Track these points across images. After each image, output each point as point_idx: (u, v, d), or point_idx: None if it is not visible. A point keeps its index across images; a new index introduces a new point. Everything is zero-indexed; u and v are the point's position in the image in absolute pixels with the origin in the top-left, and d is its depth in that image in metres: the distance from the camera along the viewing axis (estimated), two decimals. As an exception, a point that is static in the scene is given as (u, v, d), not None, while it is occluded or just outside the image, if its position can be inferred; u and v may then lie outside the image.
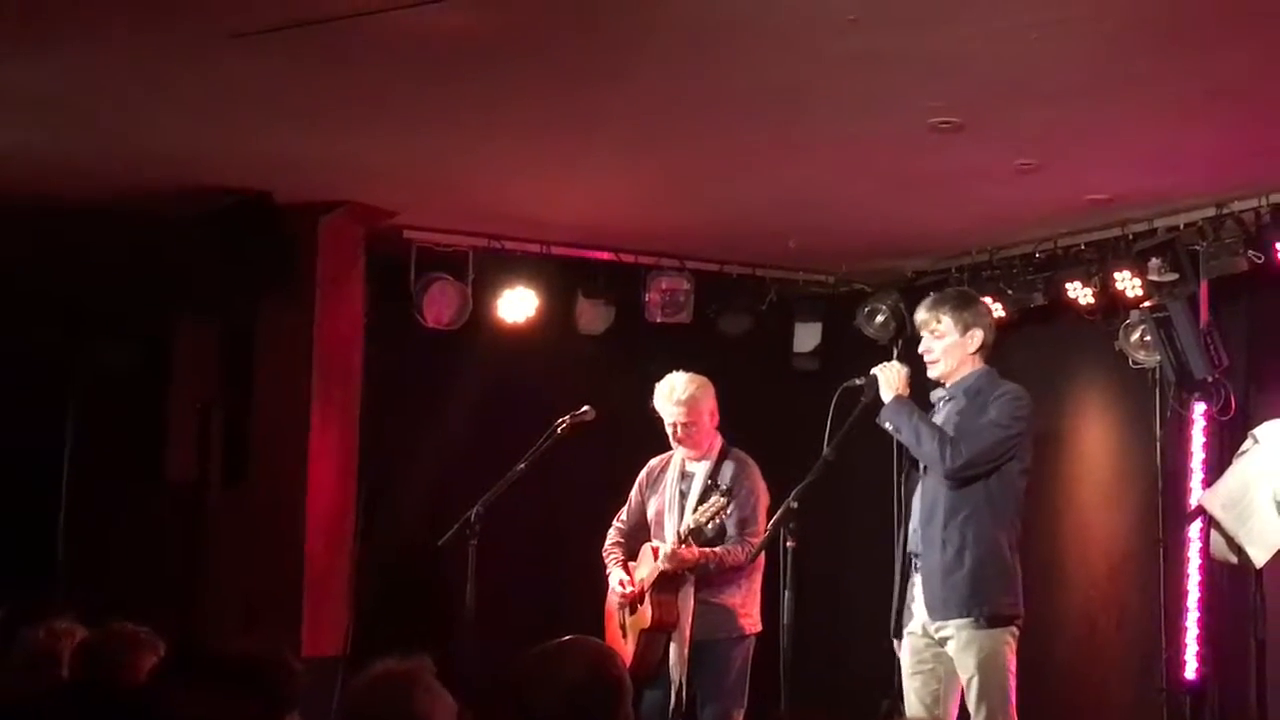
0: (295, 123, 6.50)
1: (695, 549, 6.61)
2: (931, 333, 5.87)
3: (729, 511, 6.57)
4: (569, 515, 8.56)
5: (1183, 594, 7.47)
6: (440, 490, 8.34)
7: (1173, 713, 7.52)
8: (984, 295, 7.90)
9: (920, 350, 5.93)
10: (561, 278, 8.65)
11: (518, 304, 8.49)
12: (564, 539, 8.61)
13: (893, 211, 7.74)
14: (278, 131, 6.63)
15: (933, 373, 5.91)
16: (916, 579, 5.82)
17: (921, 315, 5.93)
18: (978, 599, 5.67)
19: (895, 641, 5.95)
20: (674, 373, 6.90)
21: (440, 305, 8.30)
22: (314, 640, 7.60)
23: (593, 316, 8.78)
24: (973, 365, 5.87)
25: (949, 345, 5.85)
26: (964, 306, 5.95)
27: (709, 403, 6.86)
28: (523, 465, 6.63)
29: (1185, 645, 7.45)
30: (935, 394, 5.97)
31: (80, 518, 7.83)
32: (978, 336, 5.86)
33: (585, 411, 6.80)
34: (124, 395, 7.89)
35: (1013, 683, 5.71)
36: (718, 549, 6.63)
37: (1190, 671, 7.43)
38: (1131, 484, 7.94)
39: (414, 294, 8.26)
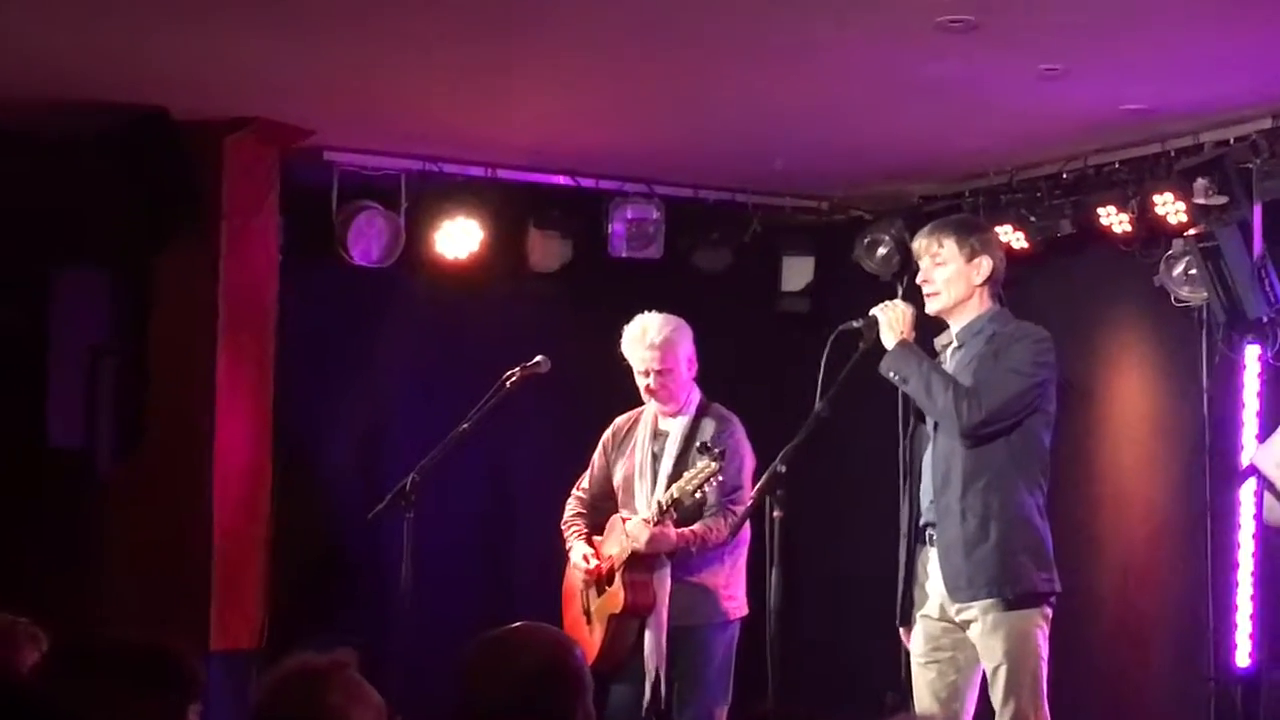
0: (192, 26, 6.43)
1: (674, 531, 6.58)
2: (933, 258, 5.85)
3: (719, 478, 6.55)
4: (520, 482, 8.60)
5: (1233, 567, 7.52)
6: (371, 455, 8.37)
7: (1221, 704, 7.57)
8: (1003, 223, 7.98)
9: (919, 280, 5.92)
10: (510, 206, 8.64)
11: (459, 237, 8.47)
12: (514, 510, 8.64)
13: (895, 126, 7.72)
14: (173, 37, 6.55)
15: (932, 307, 5.89)
16: (931, 554, 5.82)
17: (920, 241, 5.93)
18: (1007, 575, 5.67)
19: (902, 630, 5.95)
20: (646, 313, 6.89)
21: (368, 239, 8.29)
22: (224, 631, 7.60)
23: (546, 251, 8.78)
24: (981, 304, 5.86)
25: (952, 274, 5.84)
26: (970, 231, 5.95)
27: (687, 348, 6.86)
28: (466, 425, 6.67)
29: (1236, 626, 7.50)
30: (939, 340, 5.95)
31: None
32: (985, 266, 5.83)
33: (538, 362, 6.82)
34: (-1, 347, 7.85)
35: (1044, 671, 5.72)
36: (697, 527, 6.61)
37: (1242, 657, 7.48)
38: (1174, 441, 7.98)
39: (337, 226, 8.24)
